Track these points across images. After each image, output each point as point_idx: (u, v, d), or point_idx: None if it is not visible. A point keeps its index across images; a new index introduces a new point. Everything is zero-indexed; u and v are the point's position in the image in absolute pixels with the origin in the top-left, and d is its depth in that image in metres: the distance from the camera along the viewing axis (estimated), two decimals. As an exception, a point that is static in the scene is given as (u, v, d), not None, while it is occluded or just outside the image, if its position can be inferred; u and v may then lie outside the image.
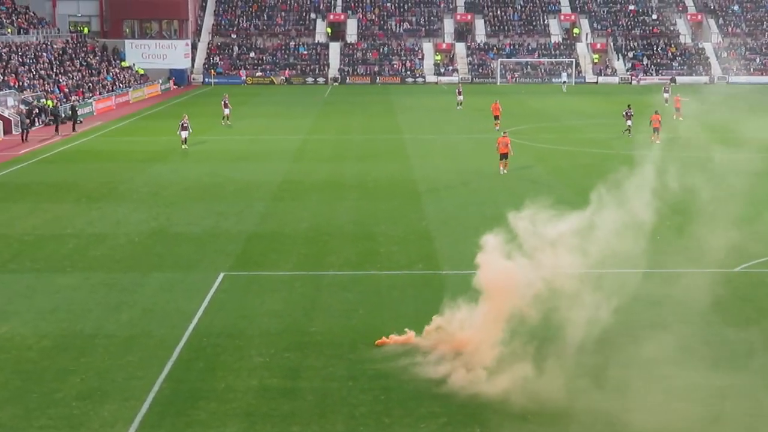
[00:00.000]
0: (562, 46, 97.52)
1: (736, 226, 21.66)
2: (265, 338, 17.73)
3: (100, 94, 70.30)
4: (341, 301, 20.13)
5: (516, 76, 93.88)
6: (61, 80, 68.94)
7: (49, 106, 57.92)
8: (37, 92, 62.02)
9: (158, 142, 47.53)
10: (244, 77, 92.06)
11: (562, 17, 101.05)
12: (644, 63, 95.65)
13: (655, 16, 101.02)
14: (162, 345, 17.38)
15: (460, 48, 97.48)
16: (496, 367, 15.35)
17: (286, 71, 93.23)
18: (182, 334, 17.98)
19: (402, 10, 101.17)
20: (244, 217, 28.88)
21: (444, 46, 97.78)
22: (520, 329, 15.97)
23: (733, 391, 14.83)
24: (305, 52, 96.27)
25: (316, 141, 48.04)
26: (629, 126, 47.23)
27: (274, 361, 16.59)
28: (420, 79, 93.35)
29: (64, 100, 62.88)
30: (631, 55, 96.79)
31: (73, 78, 71.59)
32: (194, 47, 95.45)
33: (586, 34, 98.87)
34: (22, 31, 75.65)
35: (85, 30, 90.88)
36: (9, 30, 73.08)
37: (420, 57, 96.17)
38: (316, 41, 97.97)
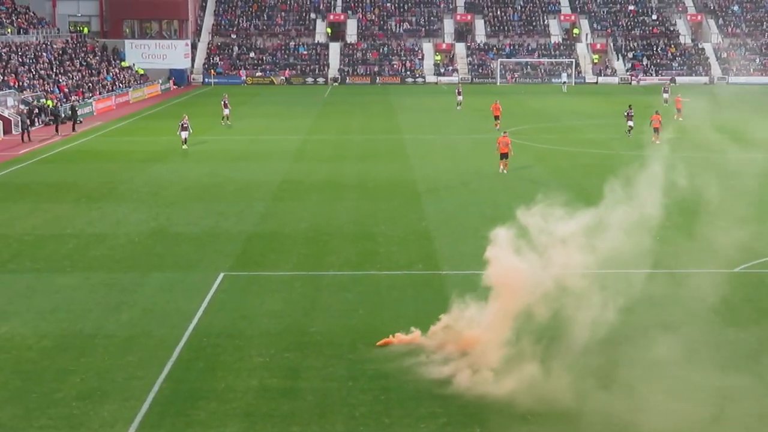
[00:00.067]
0: (562, 47, 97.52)
1: (736, 226, 21.68)
2: (265, 338, 17.73)
3: (100, 94, 70.30)
4: (341, 302, 20.13)
5: (516, 76, 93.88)
6: (61, 80, 68.94)
7: (49, 106, 57.93)
8: (36, 92, 62.01)
9: (158, 142, 47.52)
10: (244, 77, 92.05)
11: (561, 17, 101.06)
12: (644, 63, 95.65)
13: (655, 17, 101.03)
14: (162, 345, 17.38)
15: (460, 48, 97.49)
16: (502, 368, 15.30)
17: (286, 71, 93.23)
18: (182, 334, 17.98)
19: (402, 10, 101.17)
20: (244, 217, 28.88)
21: (444, 46, 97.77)
22: (525, 328, 15.94)
23: (736, 392, 14.81)
24: (305, 52, 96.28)
25: (316, 141, 48.04)
26: (630, 126, 47.23)
27: (274, 361, 16.60)
28: (420, 80, 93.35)
29: (64, 100, 62.88)
30: (630, 55, 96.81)
31: (73, 78, 71.59)
32: (194, 47, 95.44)
33: (586, 35, 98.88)
34: (22, 31, 75.65)
35: (85, 30, 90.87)
36: (9, 30, 73.08)
37: (420, 57, 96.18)
38: (316, 41, 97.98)
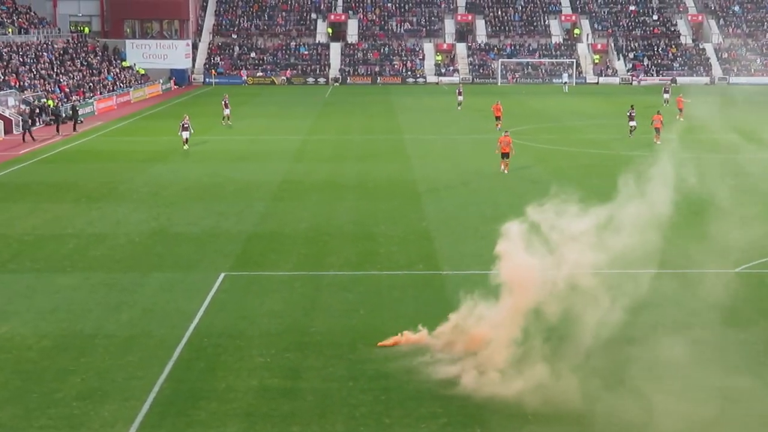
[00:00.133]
0: (562, 47, 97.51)
1: (737, 225, 21.66)
2: (266, 338, 17.73)
3: (100, 93, 70.32)
4: (341, 302, 20.13)
5: (517, 76, 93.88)
6: (61, 80, 68.95)
7: (50, 105, 57.95)
8: (37, 92, 62.03)
9: (159, 142, 47.53)
10: (245, 77, 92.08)
11: (562, 18, 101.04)
12: (645, 64, 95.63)
13: (655, 17, 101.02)
14: (162, 345, 17.38)
15: (461, 48, 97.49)
16: (509, 369, 15.27)
17: (287, 71, 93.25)
18: (183, 334, 17.97)
19: (403, 10, 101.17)
20: (244, 217, 28.88)
21: (445, 46, 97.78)
22: (528, 328, 15.93)
23: (738, 393, 14.78)
24: (306, 53, 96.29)
25: (317, 141, 48.04)
26: (633, 126, 47.19)
27: (274, 361, 16.59)
28: (421, 80, 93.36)
29: (65, 100, 62.90)
30: (631, 55, 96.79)
31: (73, 78, 71.61)
32: (195, 47, 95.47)
33: (587, 35, 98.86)
34: (22, 31, 75.67)
35: (86, 30, 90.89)
36: (10, 30, 73.11)
37: (421, 57, 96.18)
38: (317, 41, 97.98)
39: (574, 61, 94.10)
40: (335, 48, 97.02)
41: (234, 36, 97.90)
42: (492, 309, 16.41)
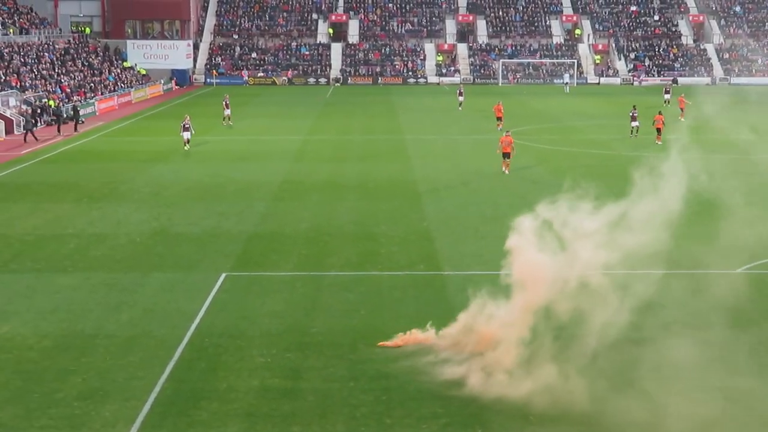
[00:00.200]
0: (563, 47, 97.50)
1: (738, 226, 21.64)
2: (267, 339, 17.73)
3: (102, 94, 70.35)
4: (342, 302, 20.12)
5: (518, 76, 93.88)
6: (63, 80, 68.98)
7: (51, 106, 57.98)
8: (39, 92, 62.06)
9: (160, 142, 47.55)
10: (246, 78, 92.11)
11: (563, 18, 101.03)
12: (646, 64, 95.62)
13: (656, 17, 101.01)
14: (163, 345, 17.38)
15: (462, 49, 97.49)
16: (514, 370, 15.25)
17: (288, 72, 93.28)
18: (184, 334, 17.97)
19: (404, 10, 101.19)
20: (245, 218, 28.88)
21: (446, 46, 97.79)
22: (533, 328, 15.91)
23: (741, 393, 14.77)
24: (307, 53, 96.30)
25: (317, 141, 48.05)
26: (635, 126, 47.16)
27: (275, 361, 16.59)
28: (422, 80, 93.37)
29: (66, 100, 62.92)
30: (632, 56, 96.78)
31: (75, 78, 71.64)
32: (196, 48, 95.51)
33: (588, 35, 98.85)
34: (24, 32, 75.70)
35: (87, 30, 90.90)
36: (11, 30, 73.15)
37: (422, 58, 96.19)
38: (318, 42, 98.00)
39: (575, 61, 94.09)
40: (336, 48, 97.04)
41: (235, 36, 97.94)
42: (501, 308, 16.33)
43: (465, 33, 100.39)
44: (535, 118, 58.49)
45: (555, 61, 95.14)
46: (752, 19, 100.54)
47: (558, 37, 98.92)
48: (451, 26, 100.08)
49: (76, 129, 53.41)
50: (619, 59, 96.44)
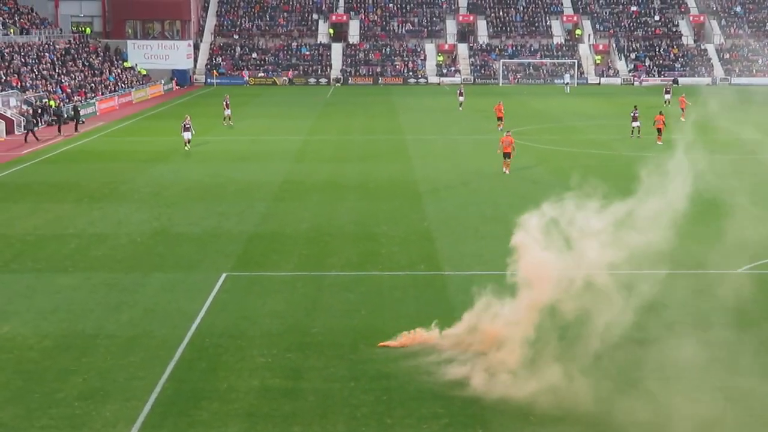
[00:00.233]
0: (564, 47, 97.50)
1: (739, 226, 21.63)
2: (267, 339, 17.73)
3: (102, 94, 70.38)
4: (343, 302, 20.12)
5: (518, 77, 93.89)
6: (63, 80, 69.00)
7: (51, 106, 58.01)
8: (39, 92, 62.08)
9: (160, 142, 47.56)
10: (247, 78, 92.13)
11: (564, 18, 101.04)
12: (646, 64, 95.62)
13: (657, 17, 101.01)
14: (164, 345, 17.38)
15: (463, 49, 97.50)
16: (515, 370, 15.24)
17: (289, 72, 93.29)
18: (184, 334, 17.97)
19: (404, 10, 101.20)
20: (246, 218, 28.88)
21: (446, 46, 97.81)
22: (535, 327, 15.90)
23: (741, 394, 14.77)
24: (307, 53, 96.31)
25: (318, 141, 48.06)
26: (637, 127, 47.13)
27: (275, 361, 16.59)
28: (422, 80, 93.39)
29: (67, 100, 62.94)
30: (633, 56, 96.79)
31: (75, 78, 71.66)
32: (196, 48, 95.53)
33: (589, 35, 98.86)
34: (24, 32, 75.72)
35: (88, 30, 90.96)
36: (12, 30, 73.16)
37: (422, 58, 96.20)
38: (319, 42, 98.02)
39: (576, 61, 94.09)
40: (337, 48, 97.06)
41: (235, 36, 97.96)
42: (506, 307, 16.29)
43: (465, 33, 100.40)
44: (535, 119, 58.49)
45: (555, 61, 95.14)
46: (753, 19, 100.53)
47: (558, 37, 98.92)
48: (451, 26, 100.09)
49: (76, 129, 53.42)
50: (620, 59, 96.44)
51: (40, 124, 54.79)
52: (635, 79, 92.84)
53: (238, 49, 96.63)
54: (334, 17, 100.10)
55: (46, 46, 75.12)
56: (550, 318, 15.88)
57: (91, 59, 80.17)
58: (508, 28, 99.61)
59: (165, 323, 18.67)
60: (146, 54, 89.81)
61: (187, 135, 43.99)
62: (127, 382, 15.62)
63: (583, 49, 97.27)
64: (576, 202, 15.98)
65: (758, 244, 23.24)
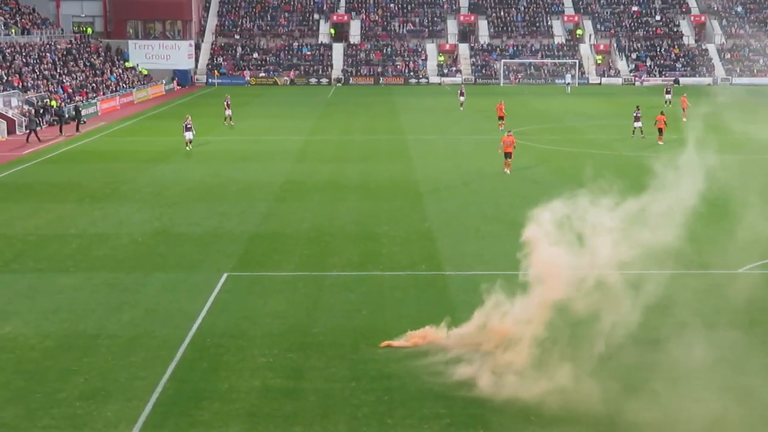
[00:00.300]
0: (565, 47, 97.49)
1: (738, 227, 21.62)
2: (268, 339, 17.74)
3: (103, 94, 70.41)
4: (344, 302, 20.14)
5: (519, 77, 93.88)
6: (64, 80, 69.03)
7: (53, 106, 58.03)
8: (40, 93, 62.12)
9: (161, 142, 47.58)
10: (248, 78, 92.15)
11: (565, 18, 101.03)
12: (648, 64, 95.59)
13: (658, 17, 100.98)
14: (165, 345, 17.40)
15: (464, 49, 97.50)
16: (520, 370, 15.22)
17: (290, 72, 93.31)
18: (185, 334, 17.99)
19: (405, 11, 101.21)
20: (247, 218, 28.90)
21: (447, 46, 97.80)
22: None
23: (743, 394, 14.76)
24: (308, 53, 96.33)
25: (319, 141, 48.07)
26: (639, 127, 47.10)
27: (276, 361, 16.61)
28: (423, 80, 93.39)
29: (68, 100, 62.97)
30: (634, 56, 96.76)
31: (76, 78, 71.69)
32: (198, 48, 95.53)
33: (590, 35, 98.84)
34: (25, 32, 75.76)
35: (89, 30, 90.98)
36: (13, 30, 73.19)
37: (423, 58, 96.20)
38: (320, 42, 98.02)
39: (577, 61, 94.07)
40: (338, 48, 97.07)
41: (237, 36, 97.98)
42: (516, 305, 16.25)
43: (466, 33, 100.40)
44: (536, 119, 58.49)
45: (556, 61, 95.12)
46: (754, 19, 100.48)
47: (559, 37, 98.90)
48: (452, 26, 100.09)
49: (78, 129, 53.45)
50: (621, 59, 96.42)
51: (42, 124, 54.82)
52: (636, 79, 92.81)
53: (239, 49, 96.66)
54: (335, 17, 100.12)
55: (48, 46, 75.15)
56: (563, 315, 15.80)
57: (92, 59, 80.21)
58: (509, 28, 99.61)
59: (166, 323, 18.70)
60: (147, 54, 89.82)
61: (188, 135, 44.01)
62: (128, 382, 15.64)
63: (584, 49, 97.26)
64: (577, 200, 15.96)
65: (761, 243, 23.23)
